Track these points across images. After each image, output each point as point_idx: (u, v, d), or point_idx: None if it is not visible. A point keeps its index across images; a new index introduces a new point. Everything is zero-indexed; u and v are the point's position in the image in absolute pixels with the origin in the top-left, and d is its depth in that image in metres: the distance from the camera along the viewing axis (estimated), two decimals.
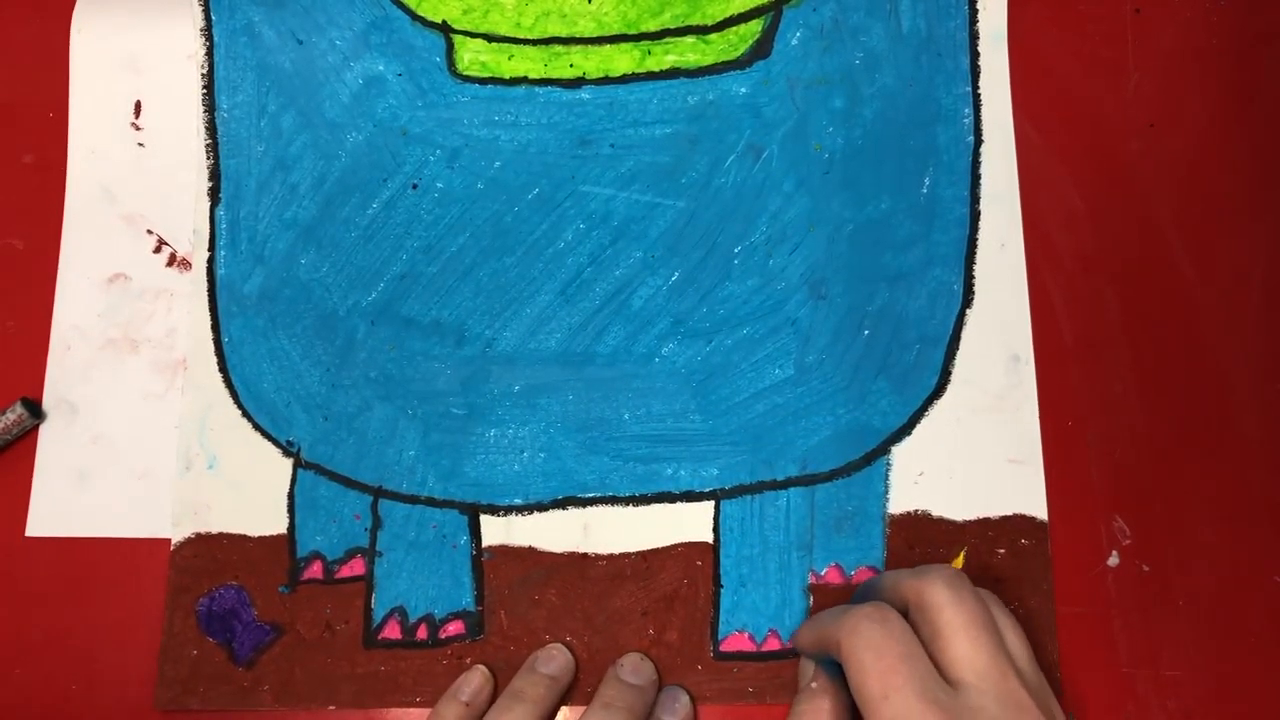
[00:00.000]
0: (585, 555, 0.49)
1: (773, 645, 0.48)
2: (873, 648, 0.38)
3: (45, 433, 0.50)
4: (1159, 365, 0.51)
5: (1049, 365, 0.51)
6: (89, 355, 0.51)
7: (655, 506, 0.49)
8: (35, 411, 0.50)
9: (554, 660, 0.47)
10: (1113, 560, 0.49)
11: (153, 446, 0.50)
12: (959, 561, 0.48)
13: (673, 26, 0.51)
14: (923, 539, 0.49)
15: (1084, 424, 0.50)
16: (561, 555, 0.49)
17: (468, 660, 0.48)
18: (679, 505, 0.49)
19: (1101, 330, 0.51)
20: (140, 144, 0.53)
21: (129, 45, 0.53)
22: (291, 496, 0.49)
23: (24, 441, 0.50)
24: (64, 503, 0.50)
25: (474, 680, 0.47)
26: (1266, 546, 0.49)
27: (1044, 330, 0.51)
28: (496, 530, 0.49)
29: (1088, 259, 0.52)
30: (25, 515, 0.50)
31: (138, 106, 0.53)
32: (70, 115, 0.53)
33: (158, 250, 0.52)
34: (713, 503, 0.49)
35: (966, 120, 0.52)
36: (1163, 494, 0.50)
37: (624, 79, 0.51)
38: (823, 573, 0.48)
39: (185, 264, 0.51)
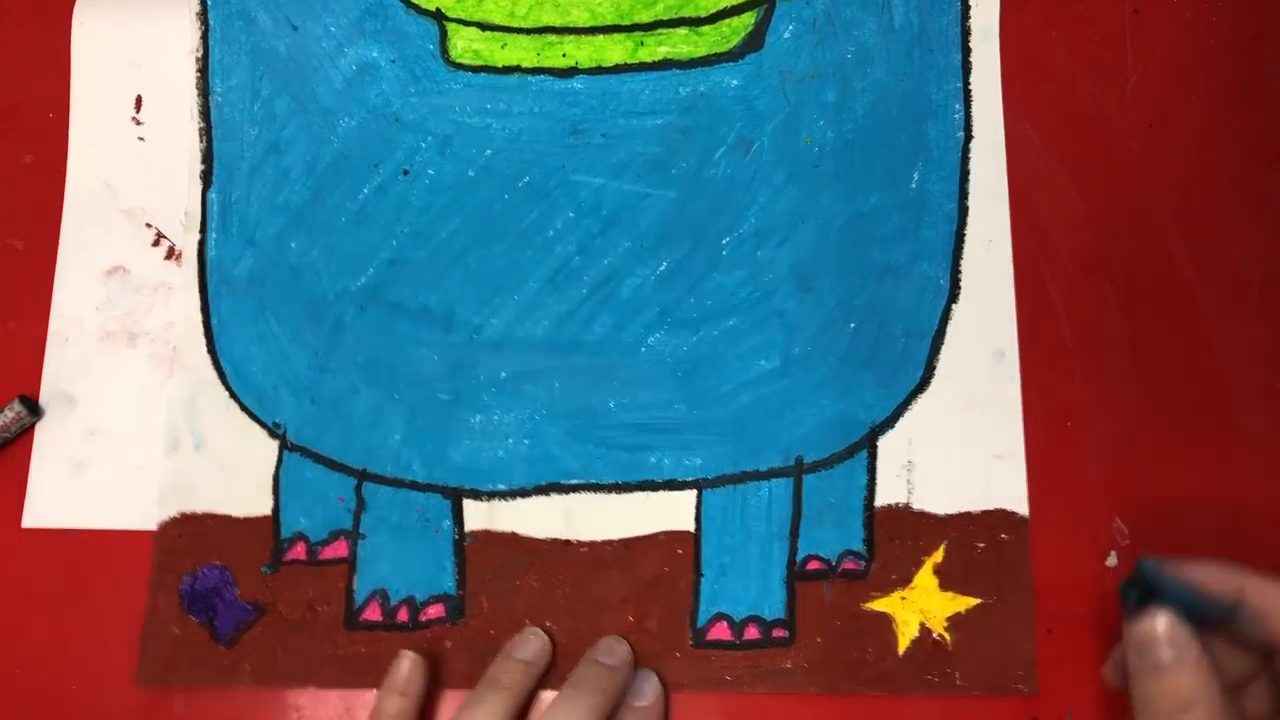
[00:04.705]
0: (568, 542, 0.54)
1: (752, 634, 0.53)
2: None
3: (42, 424, 0.55)
4: (1159, 365, 0.55)
5: (1048, 365, 0.55)
6: (87, 348, 0.56)
7: (638, 495, 0.54)
8: (33, 409, 0.55)
9: (529, 645, 0.52)
10: (1112, 560, 0.54)
11: (149, 439, 0.55)
12: (939, 555, 0.53)
13: (666, 18, 0.56)
14: (904, 531, 0.53)
15: (1083, 424, 0.55)
16: (544, 541, 0.54)
17: (447, 644, 0.53)
18: (662, 494, 0.54)
19: (1101, 330, 0.56)
20: (141, 138, 0.58)
21: (130, 40, 0.59)
22: (277, 478, 0.54)
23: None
24: (60, 494, 0.55)
25: (402, 668, 0.51)
26: (1266, 546, 0.54)
27: (1043, 330, 0.55)
28: (479, 515, 0.54)
29: (1088, 259, 0.56)
30: (21, 506, 0.55)
31: (138, 101, 0.58)
32: (71, 109, 0.58)
33: (156, 244, 0.57)
34: (695, 492, 0.54)
35: (957, 116, 0.57)
36: (1163, 494, 0.54)
37: (616, 69, 0.57)
38: (802, 562, 0.54)
39: (184, 258, 0.57)
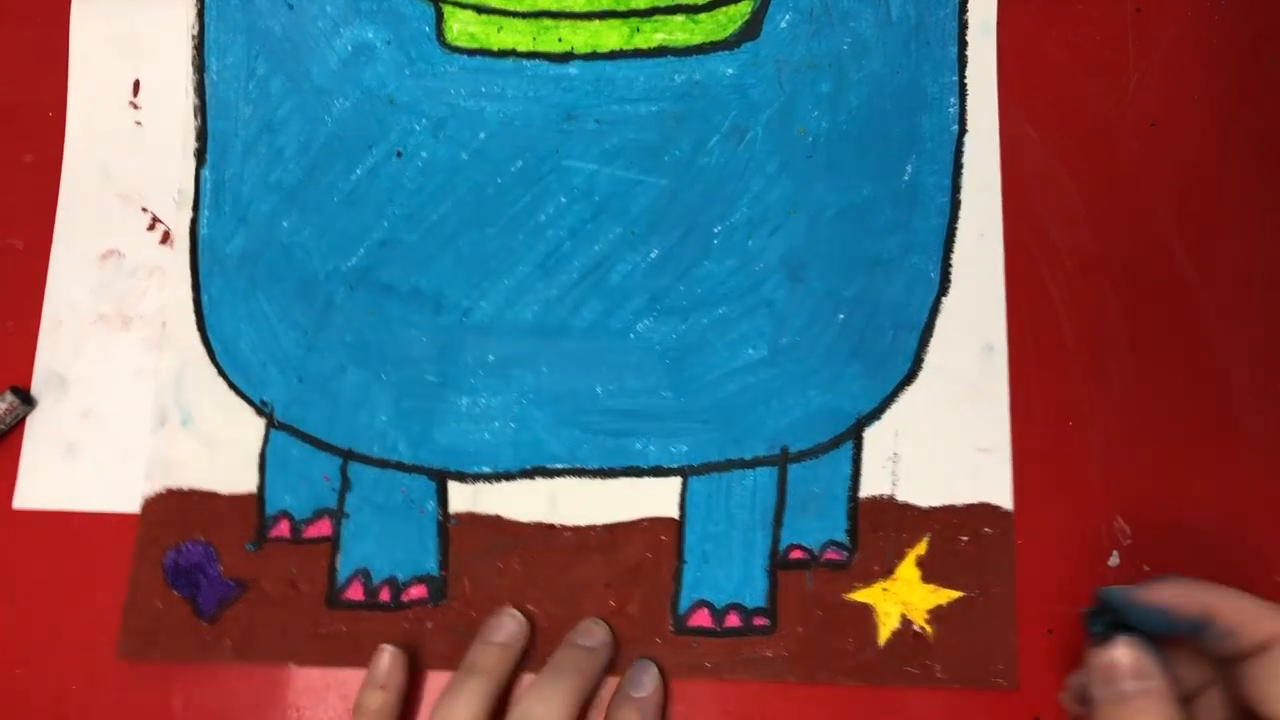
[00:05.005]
0: (551, 526, 0.54)
1: (733, 622, 0.53)
2: None
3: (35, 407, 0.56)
4: (1159, 365, 0.56)
5: (1048, 364, 0.56)
6: (80, 331, 0.57)
7: (623, 480, 0.55)
8: (26, 399, 0.56)
9: (503, 628, 0.52)
10: (1113, 560, 0.54)
11: (141, 422, 0.56)
12: (922, 547, 0.54)
13: (662, 5, 0.57)
14: (888, 523, 0.54)
15: (1084, 424, 0.55)
16: (528, 525, 0.54)
17: (428, 624, 0.53)
18: (646, 480, 0.55)
19: (1101, 330, 0.56)
20: (138, 122, 0.59)
21: (128, 24, 0.59)
22: (263, 456, 0.55)
23: None
24: (52, 476, 0.56)
25: (383, 662, 0.51)
26: (1266, 546, 0.54)
27: (1042, 329, 0.56)
28: (464, 498, 0.55)
29: (1087, 258, 0.57)
30: (12, 488, 0.56)
31: (136, 85, 0.59)
32: (69, 93, 0.59)
33: (152, 228, 0.58)
34: (680, 479, 0.55)
35: (952, 109, 0.57)
36: (1163, 494, 0.54)
37: (612, 55, 0.57)
38: (784, 551, 0.54)
39: (176, 236, 0.57)
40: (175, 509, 0.55)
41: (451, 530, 0.55)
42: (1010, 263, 0.57)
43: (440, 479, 0.55)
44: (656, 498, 0.55)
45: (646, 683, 0.52)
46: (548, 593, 0.54)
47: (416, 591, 0.54)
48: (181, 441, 0.56)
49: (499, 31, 0.58)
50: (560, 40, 0.58)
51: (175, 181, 0.58)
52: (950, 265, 0.56)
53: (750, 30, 0.58)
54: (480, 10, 0.57)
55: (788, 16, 0.58)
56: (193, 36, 0.59)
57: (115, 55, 0.59)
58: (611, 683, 0.53)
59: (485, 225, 0.57)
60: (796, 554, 0.54)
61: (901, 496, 0.55)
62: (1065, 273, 0.57)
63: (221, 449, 0.56)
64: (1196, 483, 0.55)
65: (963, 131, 0.57)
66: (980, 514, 0.54)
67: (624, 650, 0.53)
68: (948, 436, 0.55)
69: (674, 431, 0.55)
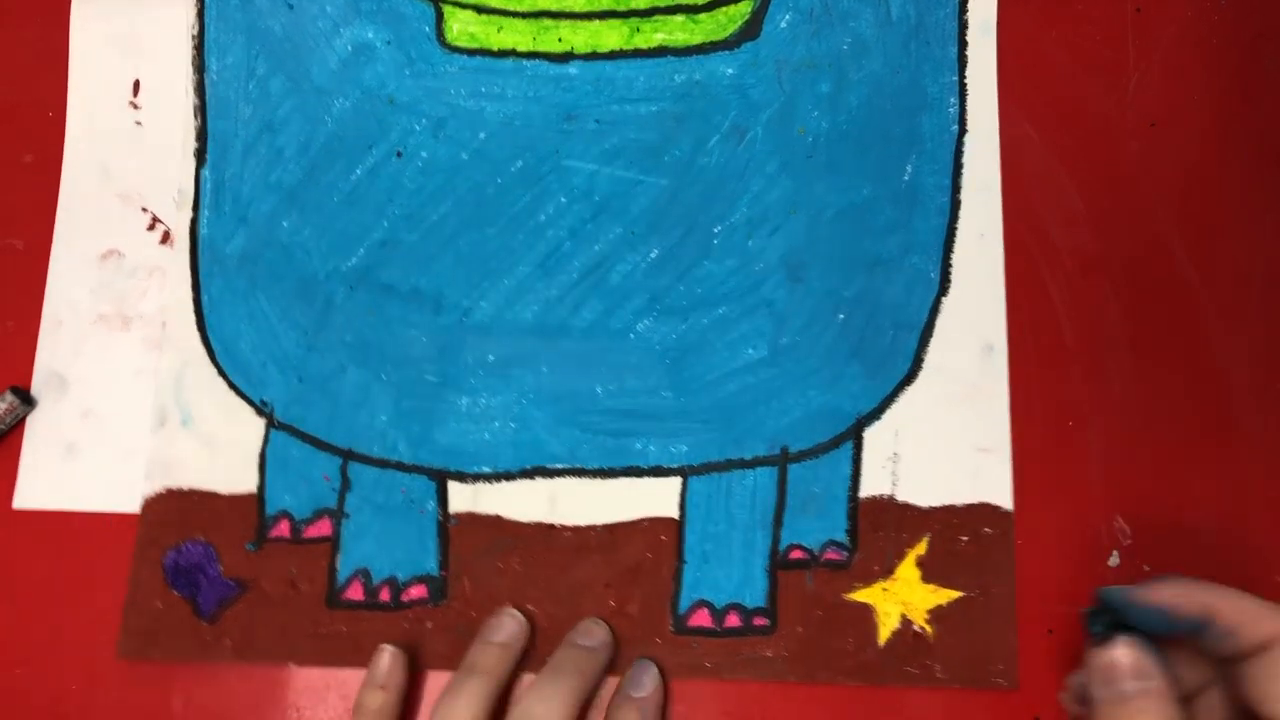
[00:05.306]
0: (551, 526, 0.55)
1: (733, 622, 0.53)
2: None
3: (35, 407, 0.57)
4: (1159, 365, 0.56)
5: (1048, 364, 0.56)
6: (80, 331, 0.57)
7: (623, 480, 0.55)
8: (26, 399, 0.56)
9: (503, 628, 0.52)
10: (1113, 560, 0.54)
11: (141, 422, 0.56)
12: (922, 547, 0.54)
13: (662, 5, 0.57)
14: (887, 523, 0.54)
15: (1084, 424, 0.55)
16: (528, 525, 0.55)
17: (428, 624, 0.54)
18: (646, 480, 0.55)
19: (1101, 330, 0.56)
20: (138, 122, 0.59)
21: (128, 24, 0.59)
22: (263, 456, 0.55)
23: None
24: (52, 476, 0.56)
25: (383, 662, 0.52)
26: (1266, 546, 0.54)
27: (1042, 329, 0.56)
28: (464, 498, 0.55)
29: (1087, 259, 0.57)
30: (12, 488, 0.56)
31: (136, 85, 0.59)
32: (69, 93, 0.59)
33: (152, 228, 0.58)
34: (680, 479, 0.55)
35: (952, 109, 0.57)
36: (1163, 494, 0.55)
37: (612, 55, 0.57)
38: (784, 551, 0.54)
39: (176, 236, 0.58)
40: (175, 509, 0.55)
41: (451, 530, 0.55)
42: (1010, 263, 0.57)
43: (440, 479, 0.55)
44: (656, 498, 0.55)
45: (646, 683, 0.52)
46: (548, 593, 0.54)
47: (416, 591, 0.54)
48: (181, 441, 0.56)
49: (499, 31, 0.58)
50: (560, 40, 0.58)
51: (175, 181, 0.58)
52: (950, 265, 0.56)
53: (750, 30, 0.58)
54: (480, 10, 0.57)
55: (788, 16, 0.58)
56: (193, 36, 0.59)
57: (115, 55, 0.59)
58: (611, 683, 0.53)
59: (485, 225, 0.57)
60: (796, 554, 0.54)
61: (901, 496, 0.55)
62: (1065, 273, 0.57)
63: (221, 449, 0.56)
64: (1196, 483, 0.55)
65: (963, 131, 0.58)
66: (980, 514, 0.54)
67: (624, 650, 0.54)
68: (948, 436, 0.55)
69: (674, 431, 0.55)
